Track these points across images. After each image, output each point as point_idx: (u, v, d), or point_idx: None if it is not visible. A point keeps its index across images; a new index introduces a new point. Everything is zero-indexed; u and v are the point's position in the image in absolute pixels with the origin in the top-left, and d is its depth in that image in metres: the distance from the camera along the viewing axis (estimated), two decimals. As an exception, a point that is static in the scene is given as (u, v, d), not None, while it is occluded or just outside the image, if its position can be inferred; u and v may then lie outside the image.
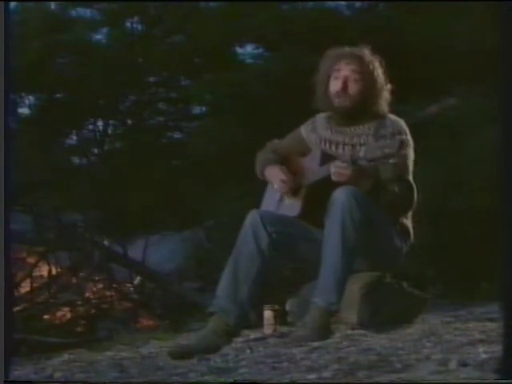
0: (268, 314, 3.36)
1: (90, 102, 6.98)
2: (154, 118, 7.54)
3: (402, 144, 2.86)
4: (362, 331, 2.95)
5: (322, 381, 2.08)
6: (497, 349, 2.17)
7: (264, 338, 3.15)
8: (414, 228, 3.05)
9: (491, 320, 3.16)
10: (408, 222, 3.04)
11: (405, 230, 3.03)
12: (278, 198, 3.10)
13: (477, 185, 4.73)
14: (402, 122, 3.00)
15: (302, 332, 2.77)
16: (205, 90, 6.43)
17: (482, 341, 2.50)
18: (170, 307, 5.76)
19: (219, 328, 2.78)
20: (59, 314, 5.63)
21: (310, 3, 6.49)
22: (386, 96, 3.01)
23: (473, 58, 5.23)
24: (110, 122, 7.40)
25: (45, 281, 5.86)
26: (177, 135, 7.64)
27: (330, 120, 3.08)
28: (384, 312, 3.13)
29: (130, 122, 7.53)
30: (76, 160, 7.46)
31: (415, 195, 2.95)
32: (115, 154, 7.24)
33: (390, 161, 2.78)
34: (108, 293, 5.90)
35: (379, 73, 3.00)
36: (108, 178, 6.75)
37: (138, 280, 6.18)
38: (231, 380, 2.22)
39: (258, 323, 3.33)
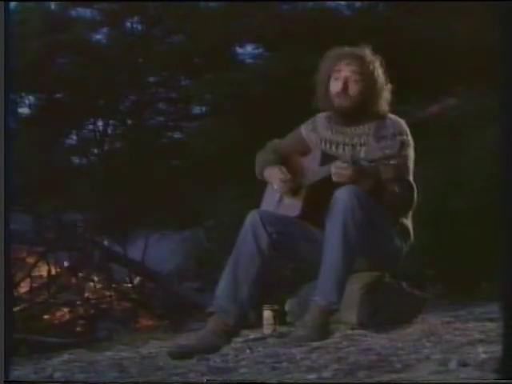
0: (267, 314, 3.36)
1: (89, 102, 6.98)
2: (154, 118, 7.55)
3: (403, 145, 2.86)
4: (362, 331, 2.95)
5: (321, 381, 2.08)
6: (496, 349, 2.17)
7: (263, 338, 3.14)
8: (414, 228, 3.05)
9: (491, 320, 3.15)
10: (408, 222, 3.04)
11: (405, 230, 3.03)
12: (278, 198, 3.09)
13: (477, 185, 4.73)
14: (402, 122, 3.00)
15: (301, 332, 2.77)
16: (205, 89, 6.43)
17: (481, 341, 2.49)
18: (170, 307, 5.75)
19: (219, 328, 2.78)
20: (59, 314, 5.62)
21: (310, 3, 6.49)
22: (386, 96, 3.01)
23: (473, 58, 5.23)
24: (110, 122, 7.40)
25: (44, 281, 5.85)
26: (177, 135, 7.65)
27: (331, 120, 3.08)
28: (384, 312, 3.13)
29: (129, 122, 7.54)
30: (76, 160, 7.46)
31: (415, 195, 2.95)
32: (115, 154, 7.24)
33: (391, 162, 2.78)
34: (108, 293, 5.90)
35: (380, 73, 3.00)
36: (108, 178, 6.75)
37: (137, 280, 6.18)
38: (231, 380, 2.22)
39: (258, 323, 3.33)
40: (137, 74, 7.06)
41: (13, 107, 6.67)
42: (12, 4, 5.48)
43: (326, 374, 2.13)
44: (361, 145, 2.97)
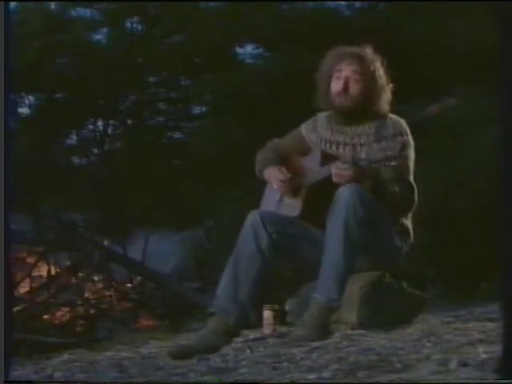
0: (267, 314, 3.36)
1: (90, 102, 6.98)
2: (154, 117, 7.54)
3: (404, 146, 2.86)
4: (362, 331, 2.95)
5: (321, 381, 2.08)
6: (496, 349, 2.17)
7: (263, 338, 3.14)
8: (414, 228, 3.05)
9: (491, 320, 3.16)
10: (408, 222, 3.04)
11: (405, 230, 3.03)
12: (278, 197, 3.09)
13: (477, 185, 4.73)
14: (402, 122, 3.00)
15: (301, 332, 2.77)
16: (205, 89, 6.43)
17: (481, 341, 2.50)
18: (170, 307, 5.76)
19: (219, 328, 2.78)
20: (59, 314, 5.62)
21: (310, 3, 6.49)
22: (387, 96, 3.01)
23: (473, 58, 5.23)
24: (110, 122, 7.40)
25: (44, 281, 5.86)
26: (177, 135, 7.64)
27: (331, 119, 3.07)
28: (384, 312, 3.13)
29: (129, 122, 7.53)
30: (76, 160, 7.46)
31: (416, 196, 2.96)
32: (115, 154, 7.24)
33: (392, 163, 2.78)
34: (108, 293, 5.90)
35: (381, 73, 3.00)
36: (108, 178, 6.75)
37: (137, 280, 6.18)
38: (231, 380, 2.22)
39: (258, 323, 3.33)
40: (137, 74, 7.06)
41: (13, 107, 6.67)
42: (12, 4, 5.49)
43: (326, 374, 2.12)
44: (361, 145, 2.97)
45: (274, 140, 3.26)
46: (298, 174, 3.05)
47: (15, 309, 5.15)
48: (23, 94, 7.04)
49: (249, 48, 6.95)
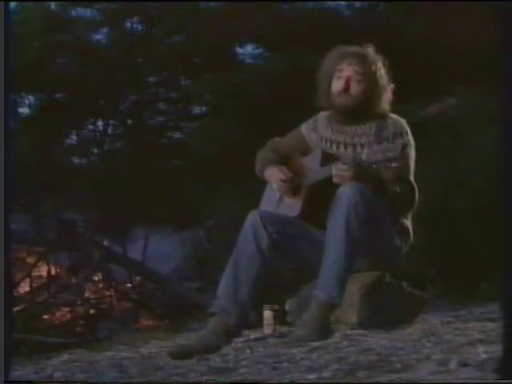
0: (268, 314, 3.36)
1: (89, 102, 6.99)
2: (154, 117, 7.56)
3: (404, 147, 2.86)
4: (362, 331, 2.95)
5: (322, 381, 2.08)
6: (497, 349, 2.17)
7: (264, 338, 3.14)
8: (414, 228, 3.05)
9: (491, 320, 3.15)
10: (408, 222, 3.04)
11: (405, 230, 3.03)
12: (278, 197, 3.09)
13: (477, 185, 4.73)
14: (403, 122, 3.00)
15: (301, 332, 2.77)
16: (205, 89, 6.44)
17: (481, 341, 2.49)
18: (170, 307, 5.76)
19: (219, 328, 2.78)
20: (59, 314, 5.62)
21: (310, 3, 6.49)
22: (388, 96, 3.01)
23: (473, 58, 5.24)
24: (110, 122, 7.41)
25: (44, 281, 5.85)
26: (177, 135, 7.66)
27: (331, 119, 3.07)
28: (384, 312, 3.13)
29: (129, 121, 7.54)
30: (76, 160, 7.47)
31: (416, 195, 2.95)
32: (115, 154, 7.25)
33: (392, 164, 2.77)
34: (108, 293, 5.90)
35: (382, 73, 2.99)
36: (108, 178, 6.75)
37: (137, 280, 6.18)
38: (231, 380, 2.22)
39: (258, 323, 3.33)
40: (137, 74, 7.07)
41: (13, 107, 6.67)
42: (12, 4, 5.49)
43: (326, 373, 2.12)
44: (361, 144, 2.97)
45: (274, 139, 3.25)
46: (298, 174, 3.05)
47: (15, 309, 5.15)
48: (23, 94, 7.05)
49: (249, 48, 6.97)
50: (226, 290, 2.82)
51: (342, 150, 3.01)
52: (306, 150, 3.11)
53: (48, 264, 5.88)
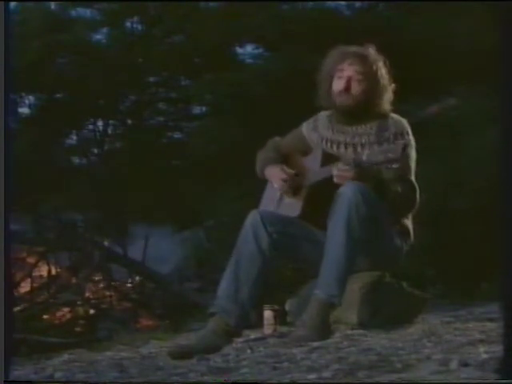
0: (268, 314, 3.36)
1: (90, 102, 6.98)
2: (154, 117, 7.55)
3: (405, 148, 2.86)
4: (362, 331, 2.95)
5: (322, 381, 2.08)
6: (497, 349, 2.17)
7: (264, 338, 3.14)
8: (414, 228, 3.05)
9: (491, 320, 3.16)
10: (408, 222, 3.04)
11: (405, 230, 3.03)
12: (278, 196, 3.09)
13: (477, 185, 4.73)
14: (404, 122, 3.00)
15: (301, 332, 2.77)
16: (205, 89, 6.43)
17: (481, 341, 2.50)
18: (170, 307, 5.76)
19: (219, 328, 2.78)
20: (59, 314, 5.63)
21: (310, 3, 6.49)
22: (389, 96, 3.01)
23: (473, 58, 5.23)
24: (110, 122, 7.40)
25: (44, 281, 5.86)
26: (177, 135, 7.65)
27: (332, 119, 3.07)
28: (384, 312, 3.13)
29: (129, 121, 7.54)
30: (76, 160, 7.46)
31: (417, 196, 2.95)
32: (115, 154, 7.24)
33: (393, 165, 2.78)
34: (108, 293, 5.90)
35: (383, 73, 2.99)
36: (108, 178, 6.75)
37: (137, 280, 6.18)
38: (232, 380, 2.22)
39: (258, 323, 3.33)
40: (137, 74, 7.06)
41: (13, 107, 6.67)
42: (12, 4, 5.49)
43: (327, 373, 2.12)
44: (362, 144, 2.97)
45: (274, 139, 3.25)
46: (299, 174, 3.05)
47: (15, 309, 5.15)
48: (23, 94, 7.05)
49: (249, 48, 6.96)
50: (226, 290, 2.82)
51: (342, 149, 3.01)
52: (306, 150, 3.11)
53: (48, 264, 5.89)
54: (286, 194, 3.06)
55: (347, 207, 2.75)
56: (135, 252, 6.43)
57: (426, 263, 4.93)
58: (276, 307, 3.38)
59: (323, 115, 3.12)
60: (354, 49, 3.02)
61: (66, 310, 5.67)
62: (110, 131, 7.44)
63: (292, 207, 3.01)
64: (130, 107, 7.39)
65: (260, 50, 6.88)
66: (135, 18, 7.22)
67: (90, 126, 7.39)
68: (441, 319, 3.41)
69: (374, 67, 2.98)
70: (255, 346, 2.85)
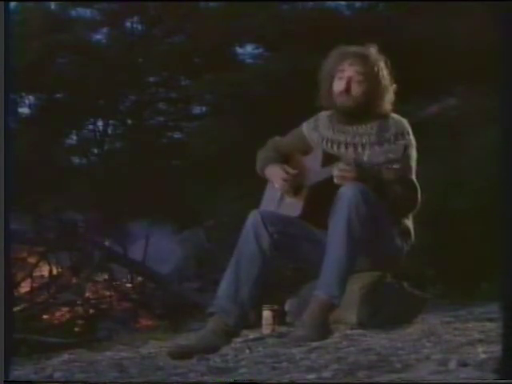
0: (267, 314, 3.36)
1: (90, 102, 6.99)
2: (154, 118, 7.56)
3: (406, 148, 2.86)
4: (362, 331, 2.95)
5: (321, 381, 2.08)
6: (496, 349, 2.17)
7: (263, 338, 3.14)
8: (414, 228, 3.05)
9: (491, 320, 3.15)
10: (409, 222, 3.04)
11: (406, 230, 3.02)
12: (279, 196, 3.09)
13: (477, 185, 4.73)
14: (404, 122, 3.00)
15: (301, 332, 2.77)
16: (205, 89, 6.44)
17: (481, 341, 2.49)
18: (170, 307, 5.76)
19: (219, 328, 2.78)
20: (59, 314, 5.63)
21: (310, 3, 6.49)
22: (389, 96, 3.00)
23: (473, 58, 5.23)
24: (110, 122, 7.41)
25: (45, 281, 5.86)
26: (177, 135, 7.66)
27: (332, 119, 3.07)
28: (384, 312, 3.13)
29: (129, 121, 7.55)
30: (76, 160, 7.47)
31: (419, 196, 2.95)
32: (115, 154, 7.25)
33: (394, 166, 2.77)
34: (108, 293, 5.91)
35: (384, 74, 2.98)
36: (108, 178, 6.76)
37: (137, 280, 6.18)
38: (231, 380, 2.22)
39: (257, 323, 3.33)
40: (137, 74, 7.07)
41: (13, 107, 6.68)
42: (12, 4, 5.50)
43: (326, 373, 2.12)
44: (362, 144, 2.96)
45: (275, 138, 3.25)
46: (300, 174, 3.04)
47: (15, 309, 5.15)
48: (23, 94, 7.05)
49: (249, 48, 6.97)
50: (226, 290, 2.82)
51: (342, 149, 3.00)
52: (306, 150, 3.10)
53: (49, 264, 5.89)
54: (287, 194, 3.06)
55: (347, 208, 2.74)
56: (135, 252, 6.43)
57: (426, 263, 4.93)
58: (275, 307, 3.38)
59: (324, 115, 3.12)
60: (354, 49, 3.02)
61: (66, 310, 5.67)
62: (110, 131, 7.45)
63: (293, 207, 3.01)
64: (130, 107, 7.40)
65: (260, 50, 6.90)
66: (135, 18, 7.23)
67: (90, 126, 7.40)
68: (440, 319, 3.41)
69: (375, 68, 2.97)
70: (254, 346, 2.85)
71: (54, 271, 5.91)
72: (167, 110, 7.51)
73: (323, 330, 2.73)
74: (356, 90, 2.96)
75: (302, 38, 5.98)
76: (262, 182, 3.20)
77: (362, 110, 2.98)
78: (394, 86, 3.02)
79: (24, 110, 7.18)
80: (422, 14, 5.89)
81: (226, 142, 5.91)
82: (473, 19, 5.46)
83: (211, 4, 6.94)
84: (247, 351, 2.73)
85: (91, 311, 5.69)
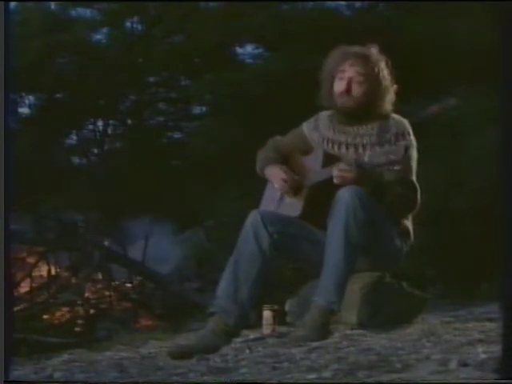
0: (267, 314, 3.36)
1: (90, 102, 7.00)
2: (154, 118, 7.56)
3: (407, 149, 2.86)
4: (362, 331, 2.95)
5: (321, 381, 2.08)
6: (496, 349, 2.17)
7: (263, 338, 3.14)
8: (414, 228, 3.05)
9: (491, 320, 3.16)
10: (408, 222, 3.04)
11: (405, 231, 3.02)
12: (279, 196, 3.09)
13: (477, 185, 4.73)
14: (405, 122, 2.99)
15: (301, 332, 2.77)
16: (205, 89, 6.44)
17: (481, 341, 2.50)
18: (170, 307, 5.76)
19: (219, 328, 2.78)
20: (59, 313, 5.62)
21: (310, 3, 6.49)
22: (390, 97, 2.99)
23: (473, 58, 5.23)
24: (110, 122, 7.41)
25: (44, 281, 5.85)
26: (177, 135, 7.67)
27: (333, 119, 3.07)
28: (384, 312, 3.13)
29: (129, 121, 7.55)
30: (76, 160, 7.48)
31: (418, 196, 2.95)
32: (115, 154, 7.26)
33: (395, 167, 2.77)
34: (107, 293, 5.90)
35: (385, 74, 2.98)
36: (108, 178, 6.76)
37: (137, 280, 6.18)
38: (231, 380, 2.22)
39: (257, 323, 3.33)
40: (137, 74, 7.07)
41: (13, 107, 6.68)
42: (12, 4, 5.50)
43: (326, 373, 2.12)
44: (363, 145, 2.96)
45: (275, 138, 3.24)
46: (300, 174, 3.04)
47: (15, 309, 5.15)
48: (23, 94, 7.06)
49: (249, 48, 6.97)
50: (225, 290, 2.82)
51: (343, 150, 3.00)
52: (307, 149, 3.10)
53: (48, 264, 5.88)
54: (287, 194, 3.06)
55: (345, 212, 2.74)
56: (135, 252, 6.42)
57: (426, 263, 4.93)
58: (275, 307, 3.38)
59: (324, 115, 3.11)
60: (355, 49, 3.01)
61: (66, 309, 5.67)
62: (110, 131, 7.45)
63: (293, 207, 3.01)
64: (130, 107, 7.40)
65: (260, 50, 6.90)
66: (135, 18, 7.23)
67: (90, 126, 7.41)
68: (440, 319, 3.41)
69: (376, 68, 2.97)
70: (254, 346, 2.85)
71: (54, 271, 5.90)
72: (167, 110, 7.52)
73: (324, 330, 2.73)
74: (356, 90, 2.95)
75: (302, 38, 5.99)
76: (262, 182, 3.20)
77: (363, 111, 2.97)
78: (395, 86, 3.02)
79: (24, 110, 7.19)
80: (421, 13, 5.89)
81: (225, 142, 5.92)
82: (473, 19, 5.46)
83: (211, 4, 6.94)
84: (247, 351, 2.73)
85: (91, 311, 5.68)
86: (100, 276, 6.04)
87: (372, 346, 2.57)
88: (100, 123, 7.36)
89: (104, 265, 6.03)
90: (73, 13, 7.29)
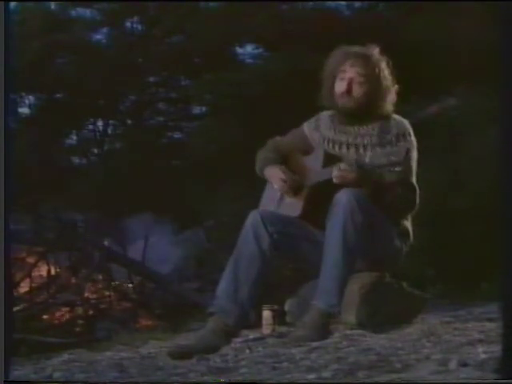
0: (267, 314, 3.36)
1: (90, 102, 7.00)
2: (154, 118, 7.57)
3: (408, 151, 2.86)
4: (362, 331, 2.95)
5: (321, 381, 2.08)
6: (496, 349, 2.17)
7: (263, 338, 3.14)
8: (414, 228, 3.05)
9: (490, 320, 3.16)
10: (408, 223, 3.04)
11: (405, 231, 3.02)
12: (279, 196, 3.09)
13: (477, 185, 4.73)
14: (406, 123, 2.99)
15: (301, 332, 2.77)
16: (205, 89, 6.44)
17: (481, 341, 2.50)
18: (170, 307, 5.76)
19: (218, 328, 2.78)
20: (58, 314, 5.62)
21: (310, 3, 6.50)
22: (391, 97, 2.99)
23: (473, 58, 5.23)
24: (110, 122, 7.41)
25: (44, 281, 5.85)
26: (177, 135, 7.67)
27: (334, 119, 3.06)
28: (384, 312, 3.13)
29: (129, 121, 7.55)
30: (76, 160, 7.48)
31: (417, 197, 2.95)
32: (115, 154, 7.26)
33: (396, 169, 2.77)
34: (107, 293, 5.89)
35: (385, 74, 2.98)
36: (108, 178, 6.76)
37: (137, 280, 6.18)
38: (230, 380, 2.22)
39: (257, 323, 3.33)
40: (137, 74, 7.07)
41: (13, 107, 6.68)
42: (12, 4, 5.50)
43: (326, 373, 2.12)
44: (364, 145, 2.96)
45: (275, 138, 3.24)
46: (300, 174, 3.04)
47: (15, 309, 5.15)
48: (23, 94, 7.06)
49: (249, 48, 6.98)
50: (225, 290, 2.82)
51: (344, 150, 3.00)
52: (307, 149, 3.10)
53: (48, 264, 5.88)
54: (287, 194, 3.06)
55: (343, 215, 2.74)
56: (135, 252, 6.42)
57: (425, 263, 4.93)
58: (275, 307, 3.38)
59: (325, 115, 3.11)
60: (356, 49, 3.01)
61: (66, 310, 5.67)
62: (110, 131, 7.46)
63: (293, 207, 3.01)
64: (130, 107, 7.40)
65: (260, 50, 6.90)
66: (135, 18, 7.23)
67: (90, 126, 7.41)
68: (440, 319, 3.41)
69: (377, 69, 2.96)
70: (254, 346, 2.85)
71: (53, 271, 5.90)
72: (167, 110, 7.52)
73: (323, 330, 2.74)
74: (357, 91, 2.95)
75: (301, 38, 5.99)
76: (262, 182, 3.20)
77: (364, 111, 2.97)
78: (396, 86, 3.01)
79: (24, 110, 7.19)
80: (421, 14, 5.89)
81: (225, 142, 5.92)
82: (473, 19, 5.46)
83: (211, 4, 6.94)
84: (247, 351, 2.73)
85: (91, 311, 5.68)
86: (100, 276, 6.04)
87: (372, 346, 2.57)
88: (100, 123, 7.37)
89: (104, 265, 6.03)
90: (73, 13, 7.30)
